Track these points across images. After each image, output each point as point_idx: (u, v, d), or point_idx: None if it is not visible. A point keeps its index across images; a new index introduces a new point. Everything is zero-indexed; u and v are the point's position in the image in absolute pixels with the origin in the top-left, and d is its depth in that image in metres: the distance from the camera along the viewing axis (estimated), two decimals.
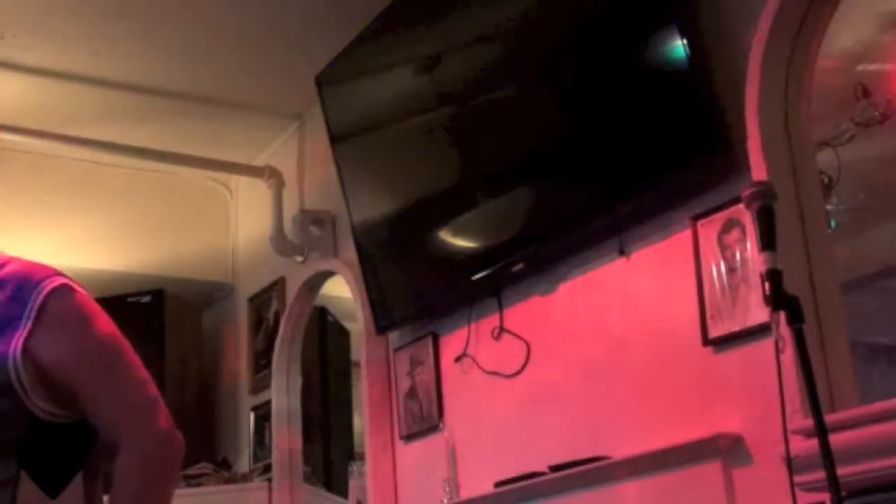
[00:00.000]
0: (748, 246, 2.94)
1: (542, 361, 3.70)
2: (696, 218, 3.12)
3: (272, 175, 5.33)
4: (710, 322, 3.04)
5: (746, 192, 2.15)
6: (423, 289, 4.14)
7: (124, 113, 5.12)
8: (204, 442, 5.72)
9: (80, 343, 1.66)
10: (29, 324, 1.63)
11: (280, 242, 5.18)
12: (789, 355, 2.28)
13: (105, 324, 1.70)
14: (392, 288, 4.30)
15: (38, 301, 1.65)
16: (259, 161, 5.53)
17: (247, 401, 5.56)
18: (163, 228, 5.69)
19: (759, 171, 2.90)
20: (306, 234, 5.00)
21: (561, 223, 3.50)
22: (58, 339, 1.63)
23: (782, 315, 2.00)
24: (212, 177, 5.86)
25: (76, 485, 1.65)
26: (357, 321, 4.73)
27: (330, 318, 5.84)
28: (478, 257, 3.85)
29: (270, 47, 4.69)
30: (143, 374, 1.69)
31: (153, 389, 1.69)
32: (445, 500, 3.95)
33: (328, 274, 5.06)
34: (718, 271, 3.02)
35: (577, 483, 3.35)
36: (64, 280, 1.70)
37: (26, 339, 1.61)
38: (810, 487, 2.40)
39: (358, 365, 5.01)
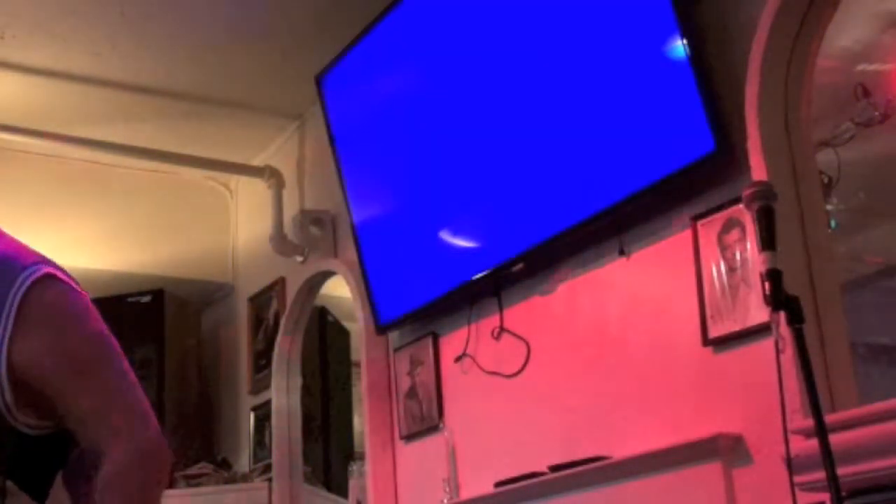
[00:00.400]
0: (748, 246, 2.94)
1: (542, 361, 3.70)
2: (696, 218, 3.12)
3: (272, 175, 5.33)
4: (710, 322, 3.04)
5: (746, 192, 2.15)
6: (423, 289, 4.14)
7: (124, 113, 5.12)
8: (204, 442, 5.72)
9: (63, 344, 1.52)
10: (10, 327, 1.49)
11: (280, 242, 5.18)
12: (789, 355, 2.28)
13: (93, 322, 1.56)
14: (392, 288, 4.30)
15: (20, 295, 1.50)
16: (259, 161, 5.54)
17: (247, 401, 5.56)
18: (163, 228, 5.69)
19: (759, 171, 2.90)
20: (306, 234, 5.01)
21: (561, 223, 3.50)
22: (38, 339, 1.49)
23: (782, 315, 2.01)
24: (212, 177, 5.86)
25: (57, 483, 1.57)
26: (357, 321, 4.73)
27: (330, 318, 5.84)
28: (478, 257, 3.86)
29: (270, 47, 4.70)
30: (131, 378, 1.56)
31: (142, 396, 1.57)
32: (445, 500, 3.95)
33: (328, 274, 5.06)
34: (718, 271, 3.02)
35: (577, 483, 3.35)
36: (49, 269, 1.55)
37: (8, 351, 1.48)
38: (810, 487, 2.40)
39: (358, 365, 5.01)
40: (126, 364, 1.58)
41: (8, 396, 1.49)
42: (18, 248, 1.58)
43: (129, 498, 1.50)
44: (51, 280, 1.54)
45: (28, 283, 1.51)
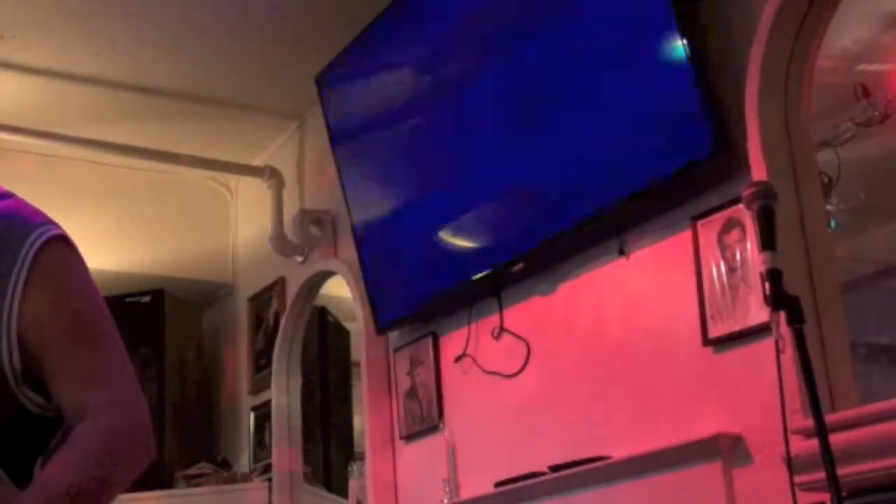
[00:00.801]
0: (748, 246, 2.94)
1: (542, 361, 3.70)
2: (696, 218, 3.12)
3: (272, 175, 5.34)
4: (710, 322, 3.04)
5: (746, 192, 2.15)
6: (423, 289, 4.14)
7: (124, 113, 5.12)
8: (204, 442, 5.72)
9: (68, 308, 1.42)
10: (20, 285, 1.40)
11: (280, 242, 5.18)
12: (789, 355, 2.29)
13: (97, 294, 1.48)
14: (392, 288, 4.30)
15: (32, 253, 1.42)
16: (259, 161, 5.54)
17: (247, 401, 5.57)
18: (163, 228, 5.69)
19: (759, 171, 2.90)
20: (306, 234, 5.01)
21: (561, 223, 3.50)
22: (43, 301, 1.40)
23: (782, 315, 2.01)
24: (212, 177, 5.86)
25: (37, 472, 1.42)
26: (357, 321, 4.73)
27: (330, 318, 5.84)
28: (478, 257, 3.85)
29: (270, 47, 4.70)
30: (129, 360, 1.47)
31: (135, 378, 1.46)
32: (445, 500, 3.95)
33: (328, 274, 5.06)
34: (718, 271, 3.02)
35: (577, 483, 3.35)
36: (60, 231, 1.47)
37: (19, 311, 1.39)
38: (810, 487, 2.40)
39: (358, 365, 5.01)
40: (123, 345, 1.49)
41: (16, 361, 1.39)
42: (27, 207, 1.52)
43: (97, 461, 1.34)
44: (63, 242, 1.46)
45: (40, 242, 1.43)
